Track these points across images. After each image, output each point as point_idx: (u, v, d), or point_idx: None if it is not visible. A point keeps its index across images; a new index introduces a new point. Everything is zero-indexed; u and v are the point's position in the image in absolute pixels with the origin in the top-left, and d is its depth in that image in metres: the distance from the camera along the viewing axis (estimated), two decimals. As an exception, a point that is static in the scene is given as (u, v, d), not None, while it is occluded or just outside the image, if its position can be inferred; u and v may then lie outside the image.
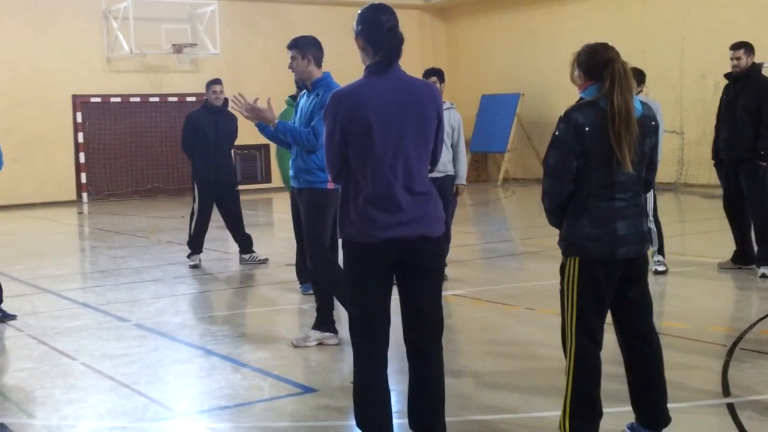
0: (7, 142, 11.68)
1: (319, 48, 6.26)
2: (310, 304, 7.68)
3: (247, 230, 10.61)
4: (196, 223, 10.34)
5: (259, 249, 10.75)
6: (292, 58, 6.22)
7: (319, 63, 6.24)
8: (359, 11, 4.09)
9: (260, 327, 7.40)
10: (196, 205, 10.34)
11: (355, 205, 3.96)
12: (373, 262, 3.98)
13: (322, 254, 6.26)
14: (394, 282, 4.09)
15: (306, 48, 6.20)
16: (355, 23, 4.07)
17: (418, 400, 4.09)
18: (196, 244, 10.40)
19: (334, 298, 6.53)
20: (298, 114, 6.34)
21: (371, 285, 4.01)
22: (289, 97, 8.21)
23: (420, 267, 4.02)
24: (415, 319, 4.06)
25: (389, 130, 3.91)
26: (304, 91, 6.39)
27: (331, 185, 6.19)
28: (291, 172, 6.40)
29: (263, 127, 6.31)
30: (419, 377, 4.08)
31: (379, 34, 3.99)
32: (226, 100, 10.34)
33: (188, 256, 10.38)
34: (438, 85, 8.18)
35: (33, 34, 19.55)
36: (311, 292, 8.06)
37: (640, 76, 8.49)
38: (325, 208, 6.26)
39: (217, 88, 10.42)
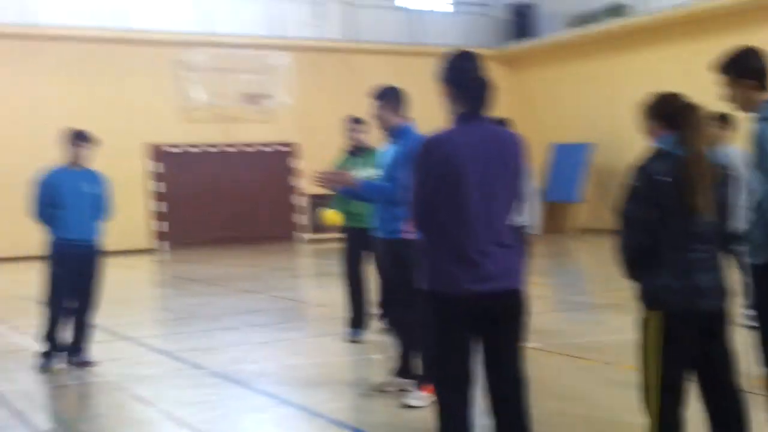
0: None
1: (401, 98, 6.27)
2: (387, 354, 7.69)
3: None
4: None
5: (335, 297, 10.73)
6: (375, 107, 6.25)
7: (401, 113, 6.24)
8: (447, 58, 4.02)
9: (336, 376, 7.39)
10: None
11: (442, 256, 3.89)
12: (459, 314, 3.90)
13: (414, 304, 6.04)
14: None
15: (389, 98, 6.24)
16: (442, 71, 4.01)
17: None
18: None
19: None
20: (384, 164, 6.34)
21: (455, 338, 3.93)
22: (348, 151, 8.57)
23: (506, 320, 3.96)
24: (502, 371, 3.99)
25: (480, 180, 3.86)
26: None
27: (410, 235, 6.14)
28: (376, 223, 6.39)
29: (347, 190, 6.37)
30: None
31: (468, 83, 3.94)
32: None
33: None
34: None
35: (110, 83, 20.14)
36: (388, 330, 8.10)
37: (725, 119, 8.38)
38: (407, 257, 6.19)
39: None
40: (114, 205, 8.01)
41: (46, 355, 7.68)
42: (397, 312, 6.38)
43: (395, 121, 6.25)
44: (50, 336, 7.69)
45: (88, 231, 7.74)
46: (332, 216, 8.00)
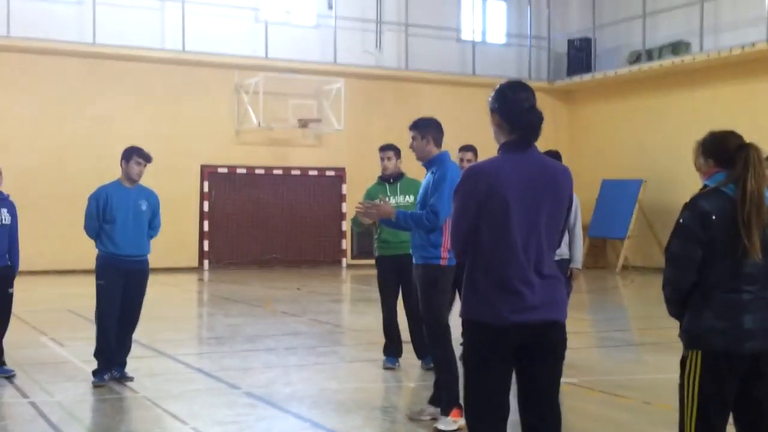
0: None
1: (439, 129, 6.38)
2: (421, 383, 7.62)
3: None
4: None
5: (373, 323, 10.71)
6: (413, 138, 6.37)
7: (438, 143, 6.36)
8: (497, 87, 4.01)
9: (370, 402, 7.35)
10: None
11: (483, 285, 3.85)
12: (499, 345, 3.85)
13: (438, 331, 6.24)
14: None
15: (426, 129, 6.34)
16: (491, 99, 3.99)
17: None
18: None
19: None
20: (420, 192, 6.45)
21: (493, 368, 3.87)
22: (382, 178, 8.54)
23: (546, 352, 3.90)
24: (538, 405, 3.93)
25: (525, 210, 3.83)
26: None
27: (444, 261, 6.19)
28: (411, 248, 6.46)
29: (386, 221, 6.39)
30: None
31: (517, 112, 3.92)
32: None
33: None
34: None
35: (169, 104, 20.43)
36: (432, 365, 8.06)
37: None
38: (439, 283, 6.25)
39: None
40: (161, 223, 8.08)
41: (100, 372, 7.70)
42: (437, 341, 6.35)
43: (432, 151, 6.33)
44: (102, 352, 7.72)
45: (137, 247, 7.81)
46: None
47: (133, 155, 7.83)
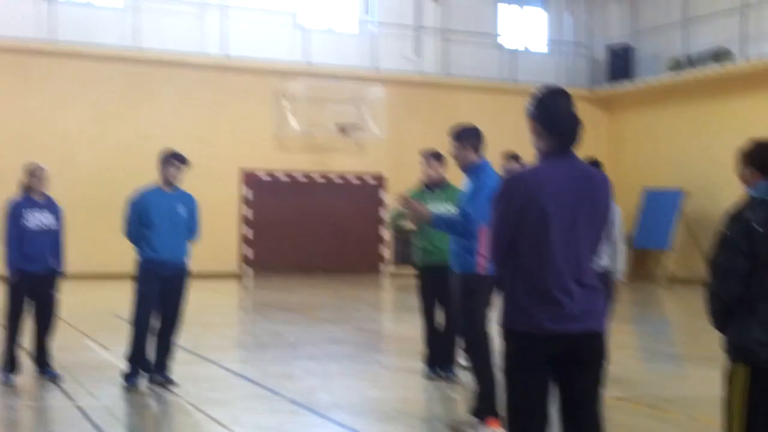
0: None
1: (479, 137, 6.43)
2: (463, 393, 7.61)
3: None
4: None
5: (415, 332, 10.67)
6: (453, 146, 6.41)
7: (478, 151, 6.40)
8: (535, 93, 3.98)
9: (411, 411, 7.34)
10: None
11: (522, 294, 3.82)
12: (537, 355, 3.82)
13: (477, 340, 6.24)
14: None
15: (466, 137, 6.41)
16: (529, 105, 3.96)
17: None
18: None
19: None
20: (460, 200, 6.49)
21: (533, 377, 3.85)
22: (425, 184, 8.45)
23: (585, 362, 3.88)
24: (578, 416, 3.90)
25: (564, 218, 3.80)
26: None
27: (482, 269, 6.16)
28: (450, 256, 6.48)
29: (424, 223, 6.46)
30: None
31: (556, 119, 3.88)
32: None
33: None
34: None
35: (208, 108, 20.63)
36: (450, 375, 8.08)
37: None
38: (476, 292, 6.23)
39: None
40: (201, 227, 8.13)
41: (132, 375, 7.80)
42: (474, 348, 6.35)
43: (472, 158, 6.37)
44: (136, 356, 7.81)
45: (177, 251, 7.87)
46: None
47: (170, 158, 7.88)
